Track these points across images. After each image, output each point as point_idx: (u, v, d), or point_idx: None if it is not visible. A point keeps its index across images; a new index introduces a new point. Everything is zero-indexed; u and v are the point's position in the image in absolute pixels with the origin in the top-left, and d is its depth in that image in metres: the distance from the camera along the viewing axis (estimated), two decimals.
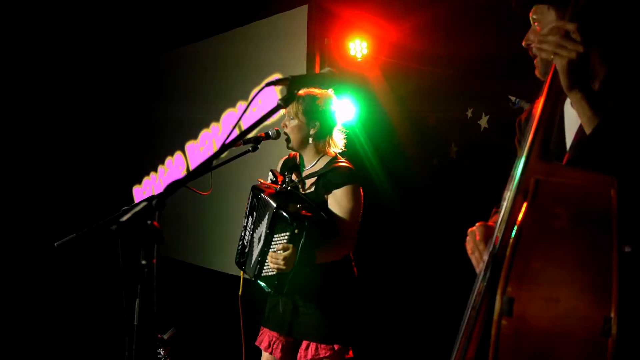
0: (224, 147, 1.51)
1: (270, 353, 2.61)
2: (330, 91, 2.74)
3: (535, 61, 1.54)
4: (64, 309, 5.26)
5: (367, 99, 4.06)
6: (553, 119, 1.34)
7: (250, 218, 2.69)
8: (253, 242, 2.64)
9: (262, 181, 2.71)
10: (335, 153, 2.68)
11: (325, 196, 2.54)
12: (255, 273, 2.52)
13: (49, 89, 5.97)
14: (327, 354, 2.46)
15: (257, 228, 2.62)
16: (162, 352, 2.28)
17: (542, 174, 1.24)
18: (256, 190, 2.64)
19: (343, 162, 2.62)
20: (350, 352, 2.56)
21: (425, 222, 3.87)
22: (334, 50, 4.02)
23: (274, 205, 2.43)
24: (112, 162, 6.48)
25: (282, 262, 2.34)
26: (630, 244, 1.40)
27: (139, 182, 6.27)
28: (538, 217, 1.16)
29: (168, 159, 5.82)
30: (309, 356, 2.47)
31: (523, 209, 1.17)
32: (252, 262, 2.60)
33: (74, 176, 6.38)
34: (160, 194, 1.36)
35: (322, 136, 2.66)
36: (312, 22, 4.05)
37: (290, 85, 1.58)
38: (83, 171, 6.43)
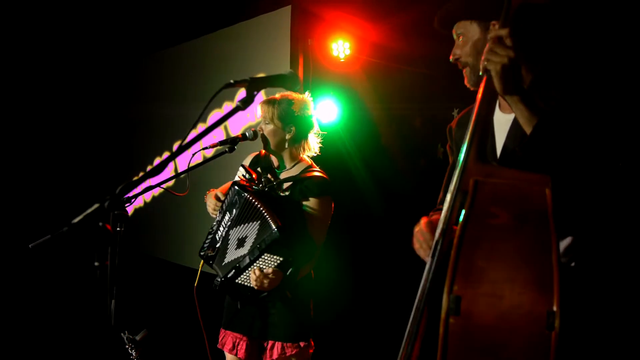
0: (181, 149, 1.51)
1: (235, 354, 2.61)
2: (307, 94, 2.75)
3: (464, 72, 1.57)
4: (37, 310, 5.22)
5: (351, 99, 4.06)
6: (488, 122, 1.36)
7: (227, 214, 2.67)
8: (228, 240, 2.62)
9: (242, 179, 2.70)
10: (310, 161, 2.69)
11: (301, 202, 2.54)
12: (229, 276, 2.51)
13: (38, 91, 5.96)
14: (294, 352, 2.49)
15: (237, 228, 2.59)
16: (134, 354, 2.28)
17: (480, 175, 1.27)
18: (238, 187, 2.61)
19: (318, 172, 2.63)
20: (312, 345, 2.60)
21: (411, 223, 3.87)
22: (317, 50, 4.02)
23: (274, 227, 2.37)
24: (101, 163, 6.47)
25: (265, 283, 2.36)
26: (569, 235, 1.44)
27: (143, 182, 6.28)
28: (479, 217, 1.19)
29: (156, 160, 5.82)
30: (275, 355, 2.49)
31: (464, 210, 1.19)
32: (226, 262, 2.58)
33: (64, 177, 6.38)
34: (113, 196, 1.36)
35: (298, 140, 2.66)
36: (295, 23, 4.06)
37: (249, 86, 1.58)
38: (73, 172, 6.42)
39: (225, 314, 2.67)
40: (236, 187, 2.62)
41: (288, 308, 2.52)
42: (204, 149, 2.85)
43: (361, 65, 4.02)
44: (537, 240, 1.12)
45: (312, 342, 2.59)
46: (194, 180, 4.70)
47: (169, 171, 5.63)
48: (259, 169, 2.72)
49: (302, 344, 2.50)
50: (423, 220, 1.56)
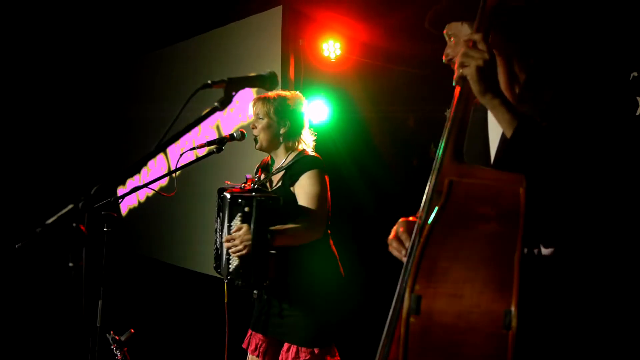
0: (160, 147, 1.51)
1: (257, 356, 2.59)
2: (298, 93, 2.75)
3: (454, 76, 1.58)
4: (15, 311, 5.19)
5: (342, 99, 4.06)
6: (465, 121, 1.36)
7: (218, 220, 2.69)
8: (222, 242, 2.63)
9: (228, 182, 2.71)
10: (305, 150, 2.67)
11: (292, 188, 2.52)
12: (227, 272, 2.50)
13: (32, 91, 5.96)
14: (307, 357, 2.43)
15: (223, 228, 2.61)
16: (118, 354, 2.28)
17: (455, 175, 1.27)
18: (220, 191, 2.63)
19: (310, 153, 2.61)
20: (337, 354, 2.54)
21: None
22: (307, 51, 4.03)
23: (229, 195, 2.44)
24: (95, 163, 6.47)
25: (238, 242, 2.32)
26: (544, 241, 1.44)
27: (123, 183, 6.27)
28: (449, 217, 1.19)
29: (150, 160, 5.81)
30: (290, 358, 2.45)
31: (435, 210, 1.19)
32: (223, 262, 2.58)
33: (58, 178, 6.38)
34: (87, 197, 1.36)
35: (293, 135, 2.65)
36: (286, 24, 4.06)
37: (228, 87, 1.58)
38: (66, 173, 6.42)
39: (253, 314, 2.66)
40: (217, 192, 2.63)
41: (307, 309, 2.47)
42: (192, 149, 2.86)
43: (352, 66, 4.02)
44: (502, 241, 1.12)
45: (335, 349, 2.52)
46: (189, 181, 4.74)
47: (161, 171, 5.62)
48: (258, 175, 2.73)
49: (316, 350, 2.44)
50: (400, 221, 1.56)
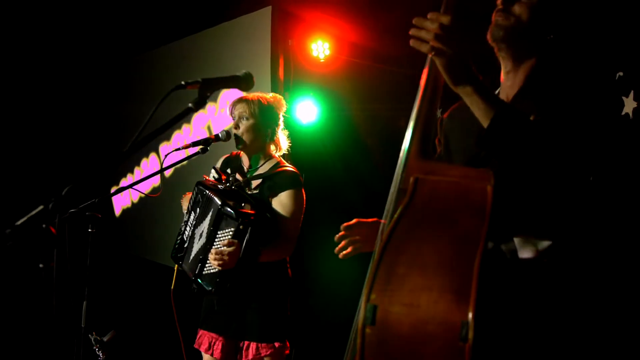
0: (133, 148, 1.51)
1: (211, 355, 2.61)
2: (279, 95, 2.77)
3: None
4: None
5: (331, 99, 4.07)
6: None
7: (192, 214, 2.69)
8: (194, 238, 2.63)
9: (207, 177, 2.72)
10: (280, 158, 2.70)
11: (270, 199, 2.56)
12: (197, 271, 2.51)
13: (22, 91, 5.95)
14: (268, 352, 2.48)
15: (199, 224, 2.62)
16: (101, 355, 2.28)
17: (421, 172, 1.21)
18: (201, 186, 2.64)
19: (289, 167, 2.64)
20: (288, 345, 2.59)
21: None
22: (297, 51, 4.03)
23: (219, 202, 2.45)
24: (87, 163, 6.46)
25: (226, 258, 2.32)
26: (520, 233, 1.41)
27: (117, 183, 6.27)
28: (411, 219, 1.13)
29: (143, 161, 5.82)
30: (250, 356, 2.49)
31: (398, 211, 1.14)
32: (192, 258, 2.60)
33: (52, 179, 6.37)
34: (58, 198, 1.37)
35: (272, 137, 2.68)
36: (275, 24, 4.06)
37: (202, 87, 1.58)
38: (60, 174, 6.41)
39: (202, 313, 2.67)
40: (198, 186, 2.64)
41: (263, 307, 2.51)
42: (176, 149, 2.86)
43: (341, 66, 4.03)
44: (462, 244, 1.06)
45: (288, 343, 2.58)
46: (183, 182, 4.74)
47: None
48: (228, 170, 2.74)
49: (277, 344, 2.49)
50: (355, 223, 1.54)
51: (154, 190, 5.74)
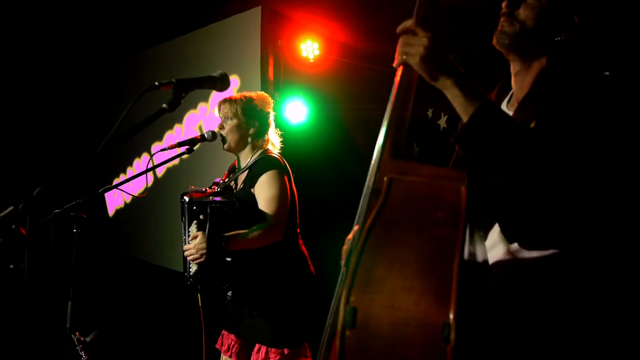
0: (106, 149, 1.51)
1: (230, 356, 2.60)
2: (264, 93, 2.77)
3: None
4: None
5: (321, 99, 4.07)
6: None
7: (182, 224, 2.69)
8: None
9: (192, 187, 2.71)
10: (269, 150, 2.68)
11: (252, 189, 2.52)
12: (189, 276, 2.52)
13: (14, 91, 5.94)
14: (277, 358, 2.44)
15: (185, 232, 2.63)
16: (83, 355, 2.28)
17: (395, 172, 1.19)
18: (182, 195, 2.63)
19: (271, 155, 2.60)
20: (309, 354, 2.53)
21: None
22: (286, 51, 4.03)
23: (187, 199, 2.45)
24: (82, 164, 6.45)
25: (194, 251, 2.35)
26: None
27: (110, 183, 6.27)
28: (387, 220, 1.11)
29: (136, 161, 5.83)
30: (260, 359, 2.46)
31: (372, 213, 1.12)
32: (187, 266, 2.59)
33: (45, 180, 6.35)
34: (27, 198, 1.37)
35: (261, 135, 2.67)
36: (265, 24, 4.06)
37: (176, 88, 1.58)
38: (54, 175, 6.39)
39: (227, 315, 2.67)
40: (180, 197, 2.63)
41: (277, 310, 2.48)
42: (161, 150, 2.86)
43: (330, 65, 4.03)
44: (441, 245, 1.05)
45: (306, 349, 2.52)
46: (176, 182, 4.73)
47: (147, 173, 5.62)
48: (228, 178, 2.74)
49: (286, 351, 2.44)
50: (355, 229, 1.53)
51: (146, 190, 5.75)
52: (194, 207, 2.39)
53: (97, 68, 6.13)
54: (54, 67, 5.92)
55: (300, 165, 4.11)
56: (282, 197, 2.48)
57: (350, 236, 1.51)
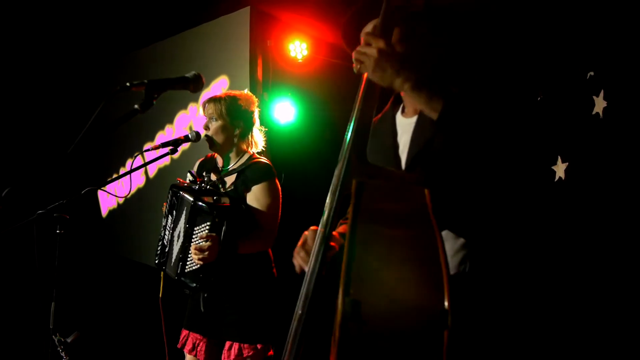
0: (75, 150, 1.51)
1: (195, 355, 2.60)
2: (249, 93, 2.77)
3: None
4: None
5: (310, 99, 4.08)
6: (369, 122, 1.35)
7: (169, 217, 2.70)
8: (173, 240, 2.64)
9: (181, 180, 2.72)
10: (255, 153, 2.70)
11: (245, 193, 2.55)
12: (178, 271, 2.51)
13: (9, 91, 5.94)
14: (250, 354, 2.47)
15: (176, 226, 2.62)
16: (64, 356, 2.28)
17: (362, 176, 1.26)
18: (175, 188, 2.64)
19: (261, 159, 2.64)
20: (271, 350, 2.57)
21: None
22: (275, 52, 4.04)
23: (191, 199, 2.45)
24: (71, 163, 6.45)
25: (206, 253, 2.33)
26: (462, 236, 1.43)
27: (103, 184, 6.27)
28: (366, 219, 1.17)
29: (128, 162, 5.83)
30: (232, 356, 2.47)
31: (349, 213, 1.18)
32: (173, 260, 2.59)
33: (39, 182, 6.34)
34: None
35: (246, 135, 2.68)
36: (254, 25, 4.07)
37: (147, 89, 1.58)
38: (47, 176, 6.39)
39: (187, 314, 2.67)
40: (171, 189, 2.64)
41: (246, 308, 2.50)
42: (145, 151, 2.87)
43: (319, 66, 4.04)
44: (424, 239, 1.11)
45: (272, 348, 2.54)
46: (168, 182, 4.73)
47: (138, 174, 5.63)
48: (204, 173, 2.74)
49: (259, 346, 2.47)
50: (310, 229, 1.55)
51: (139, 191, 5.77)
52: (207, 208, 2.38)
53: (87, 69, 6.12)
54: (42, 68, 5.92)
55: (289, 165, 4.13)
56: (277, 206, 2.57)
57: (300, 242, 1.53)
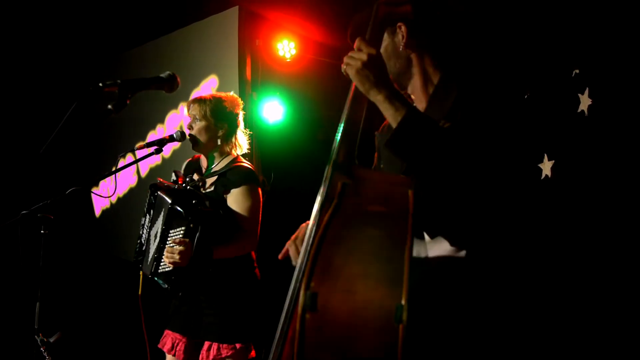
0: (46, 150, 1.51)
1: (174, 355, 2.61)
2: (234, 94, 2.78)
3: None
4: None
5: (299, 98, 4.08)
6: (356, 122, 1.40)
7: (147, 216, 2.71)
8: (150, 239, 2.65)
9: (161, 180, 2.73)
10: (239, 156, 2.71)
11: (225, 195, 2.56)
12: (152, 270, 2.53)
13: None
14: (229, 354, 2.48)
15: (153, 225, 2.64)
16: (46, 356, 2.29)
17: (348, 177, 1.30)
18: (154, 188, 2.66)
19: (244, 164, 2.65)
20: (253, 351, 2.58)
21: None
22: (263, 51, 4.04)
23: (169, 200, 2.46)
24: (61, 163, 6.43)
25: (177, 257, 2.34)
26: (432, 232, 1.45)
27: (96, 184, 6.28)
28: (343, 217, 1.20)
29: (120, 161, 5.81)
30: (211, 356, 2.48)
31: (329, 211, 1.21)
32: (149, 259, 2.61)
33: (33, 182, 6.35)
34: None
35: (230, 136, 2.69)
36: (242, 24, 4.07)
37: (121, 89, 1.58)
38: (41, 176, 6.40)
39: (169, 314, 2.68)
40: (150, 188, 2.65)
41: (225, 308, 2.52)
42: (131, 151, 2.88)
43: (307, 64, 4.05)
44: (394, 238, 1.14)
45: (253, 348, 2.57)
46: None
47: (130, 173, 5.64)
48: (189, 173, 2.75)
49: (238, 345, 2.48)
50: (302, 225, 1.58)
51: (131, 190, 5.78)
52: (183, 213, 2.39)
53: (76, 70, 6.11)
54: (28, 69, 5.90)
55: (277, 164, 4.14)
56: (257, 208, 2.57)
57: (294, 236, 1.56)
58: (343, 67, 1.44)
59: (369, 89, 1.39)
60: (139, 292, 2.66)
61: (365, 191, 1.28)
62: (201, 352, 2.53)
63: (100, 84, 1.53)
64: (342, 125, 1.39)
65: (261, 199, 2.61)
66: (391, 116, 1.38)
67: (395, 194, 1.25)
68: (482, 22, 3.02)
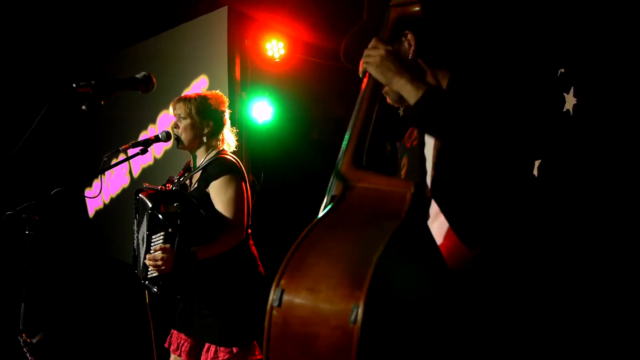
0: (20, 150, 1.51)
1: (179, 355, 2.60)
2: (220, 92, 2.77)
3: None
4: None
5: (288, 98, 4.09)
6: (367, 127, 1.40)
7: (135, 220, 2.71)
8: (140, 244, 2.64)
9: (147, 184, 2.72)
10: (224, 150, 2.68)
11: (207, 190, 2.53)
12: (144, 275, 2.52)
13: None
14: (226, 357, 2.44)
15: (140, 230, 2.63)
16: (29, 357, 2.29)
17: (351, 180, 1.31)
18: (137, 192, 2.65)
19: (227, 156, 2.61)
20: (257, 348, 2.54)
21: None
22: (252, 51, 4.05)
23: (150, 205, 2.44)
24: (62, 166, 6.45)
25: (160, 263, 2.33)
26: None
27: (90, 184, 6.28)
28: (331, 219, 1.23)
29: (113, 161, 5.82)
30: (209, 358, 2.46)
31: (325, 211, 1.24)
32: (141, 265, 2.60)
33: (27, 183, 6.35)
34: None
35: (216, 134, 2.67)
36: (231, 25, 4.07)
37: (94, 90, 1.58)
38: (35, 177, 6.40)
39: (176, 313, 2.68)
40: (135, 193, 2.64)
41: (225, 310, 2.49)
42: (116, 151, 2.87)
43: (296, 64, 4.05)
44: (370, 241, 1.16)
45: (256, 348, 2.54)
46: (151, 181, 4.73)
47: (122, 173, 5.64)
48: (185, 174, 2.74)
49: (235, 349, 2.45)
50: None
51: (124, 190, 5.78)
52: (161, 218, 2.37)
53: (66, 70, 6.11)
54: (17, 69, 5.90)
55: (267, 164, 4.14)
56: (239, 198, 2.51)
57: None
58: (362, 66, 1.47)
59: (391, 77, 1.43)
60: (147, 300, 2.61)
61: (365, 193, 1.30)
62: (202, 353, 2.51)
63: (74, 85, 1.52)
64: (352, 129, 1.38)
65: (245, 189, 2.56)
66: (412, 97, 1.42)
67: (393, 196, 1.27)
68: (473, 22, 3.02)
